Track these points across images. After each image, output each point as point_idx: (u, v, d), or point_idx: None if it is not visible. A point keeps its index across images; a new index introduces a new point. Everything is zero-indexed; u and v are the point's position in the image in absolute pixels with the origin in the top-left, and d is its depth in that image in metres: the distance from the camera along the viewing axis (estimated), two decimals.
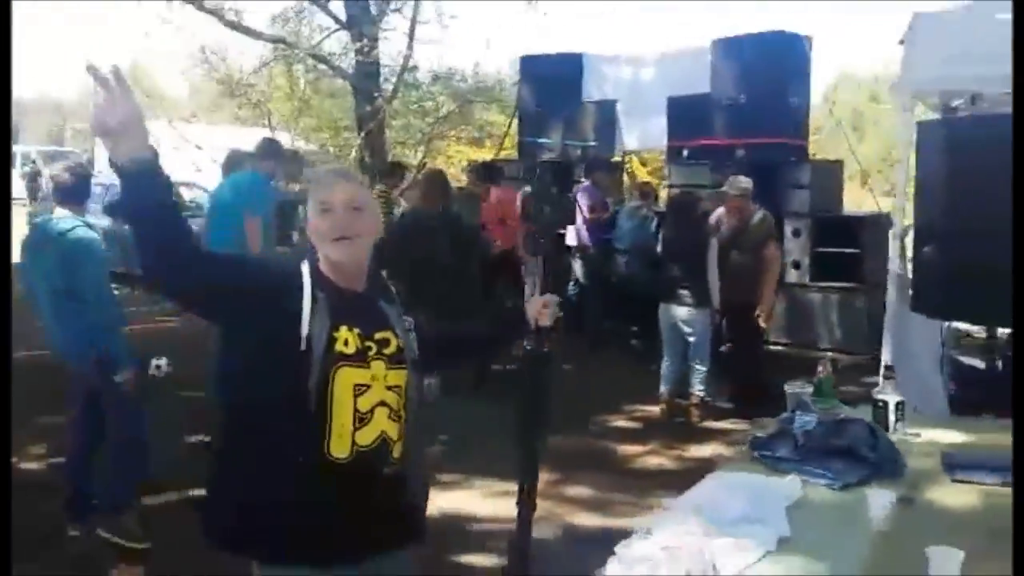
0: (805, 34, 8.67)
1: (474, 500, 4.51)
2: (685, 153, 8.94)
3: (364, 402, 1.89)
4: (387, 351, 1.94)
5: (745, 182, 6.10)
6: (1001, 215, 3.26)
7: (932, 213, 3.64)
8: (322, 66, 13.80)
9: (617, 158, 10.35)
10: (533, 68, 10.45)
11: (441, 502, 4.18)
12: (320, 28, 13.63)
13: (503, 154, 12.05)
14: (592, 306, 8.16)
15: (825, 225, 8.02)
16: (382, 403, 1.92)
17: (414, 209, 5.87)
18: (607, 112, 9.86)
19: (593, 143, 9.74)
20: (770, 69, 8.39)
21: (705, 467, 3.78)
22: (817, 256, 8.03)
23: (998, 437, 2.84)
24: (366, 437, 1.90)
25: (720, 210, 6.26)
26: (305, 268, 1.89)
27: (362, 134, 13.09)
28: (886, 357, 4.23)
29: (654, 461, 5.39)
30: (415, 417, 2.01)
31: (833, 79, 28.12)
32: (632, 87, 9.82)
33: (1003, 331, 4.80)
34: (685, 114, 8.93)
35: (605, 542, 1.97)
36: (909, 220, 4.34)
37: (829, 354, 6.30)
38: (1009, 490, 2.25)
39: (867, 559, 1.90)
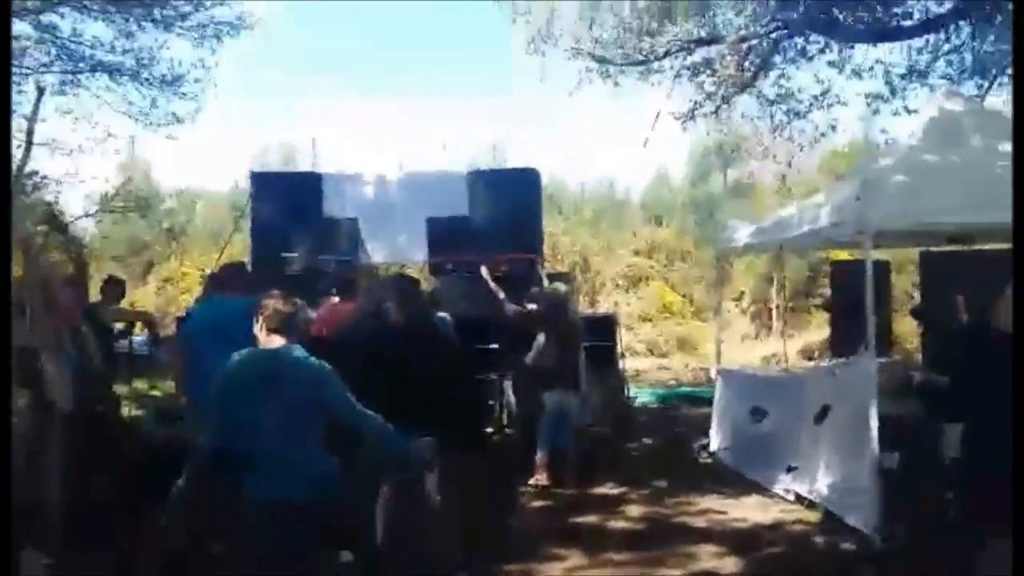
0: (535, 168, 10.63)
1: None
2: (449, 266, 10.05)
3: None
4: None
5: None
6: None
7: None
8: None
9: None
10: (267, 185, 10.52)
11: None
12: None
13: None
14: None
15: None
16: None
17: None
18: (349, 228, 10.44)
19: (347, 258, 10.20)
20: (516, 197, 10.10)
21: None
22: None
23: None
24: None
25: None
26: None
27: None
28: None
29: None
30: None
31: None
32: (377, 205, 10.64)
33: None
34: (445, 233, 10.11)
35: None
36: None
37: None
38: None
39: None
